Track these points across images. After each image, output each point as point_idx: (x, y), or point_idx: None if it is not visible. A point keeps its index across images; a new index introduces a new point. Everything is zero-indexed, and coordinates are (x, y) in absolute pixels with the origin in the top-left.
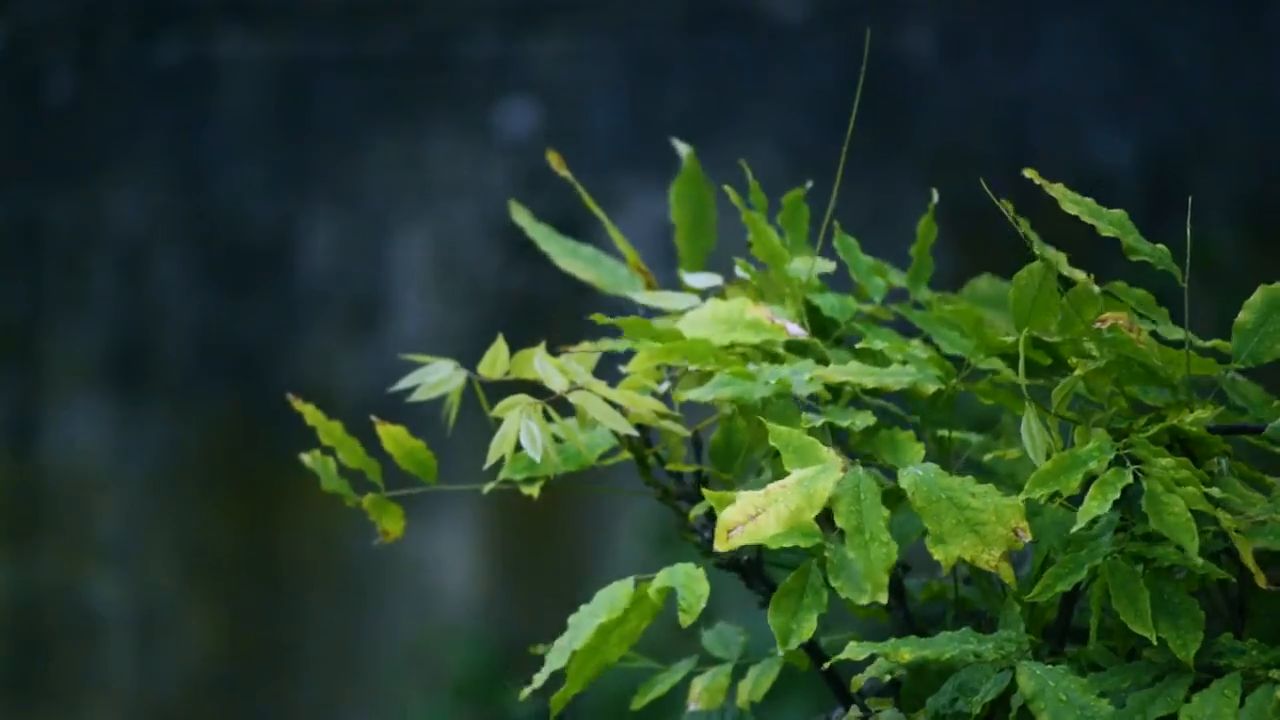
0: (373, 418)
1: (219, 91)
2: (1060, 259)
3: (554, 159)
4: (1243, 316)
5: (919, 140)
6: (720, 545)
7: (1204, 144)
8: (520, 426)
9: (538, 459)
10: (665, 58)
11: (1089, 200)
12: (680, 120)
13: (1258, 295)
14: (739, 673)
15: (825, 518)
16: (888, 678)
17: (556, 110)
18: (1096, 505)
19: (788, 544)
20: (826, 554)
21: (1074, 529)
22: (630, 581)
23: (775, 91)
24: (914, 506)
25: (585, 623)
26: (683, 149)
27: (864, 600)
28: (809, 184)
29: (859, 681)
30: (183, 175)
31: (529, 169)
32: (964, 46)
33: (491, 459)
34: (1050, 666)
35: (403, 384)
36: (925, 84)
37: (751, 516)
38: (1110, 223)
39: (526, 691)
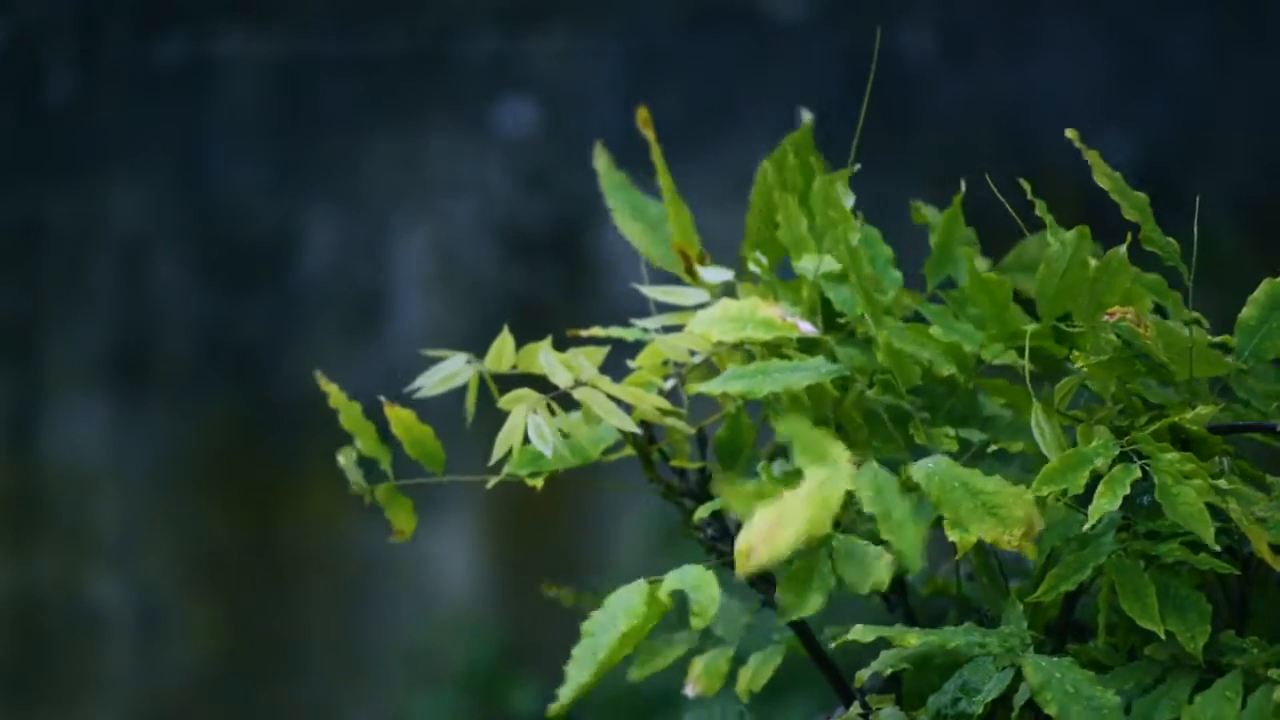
0: (382, 398)
1: (219, 91)
2: (1084, 231)
3: (642, 116)
4: (1246, 312)
5: (919, 139)
6: (740, 571)
7: (1204, 143)
8: (529, 422)
9: (549, 454)
10: (665, 58)
11: (1119, 175)
12: (680, 120)
13: (1261, 290)
14: (740, 658)
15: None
16: (889, 671)
17: (556, 109)
18: (1107, 502)
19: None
20: (834, 544)
21: (1086, 526)
22: (643, 584)
23: (775, 91)
24: (929, 496)
25: (605, 631)
26: (806, 116)
27: (867, 589)
28: (857, 167)
29: (862, 678)
30: (183, 175)
31: (529, 168)
32: (964, 46)
33: (498, 453)
34: (1056, 659)
35: (421, 380)
36: (925, 83)
37: (766, 535)
38: (1133, 205)
39: (556, 708)
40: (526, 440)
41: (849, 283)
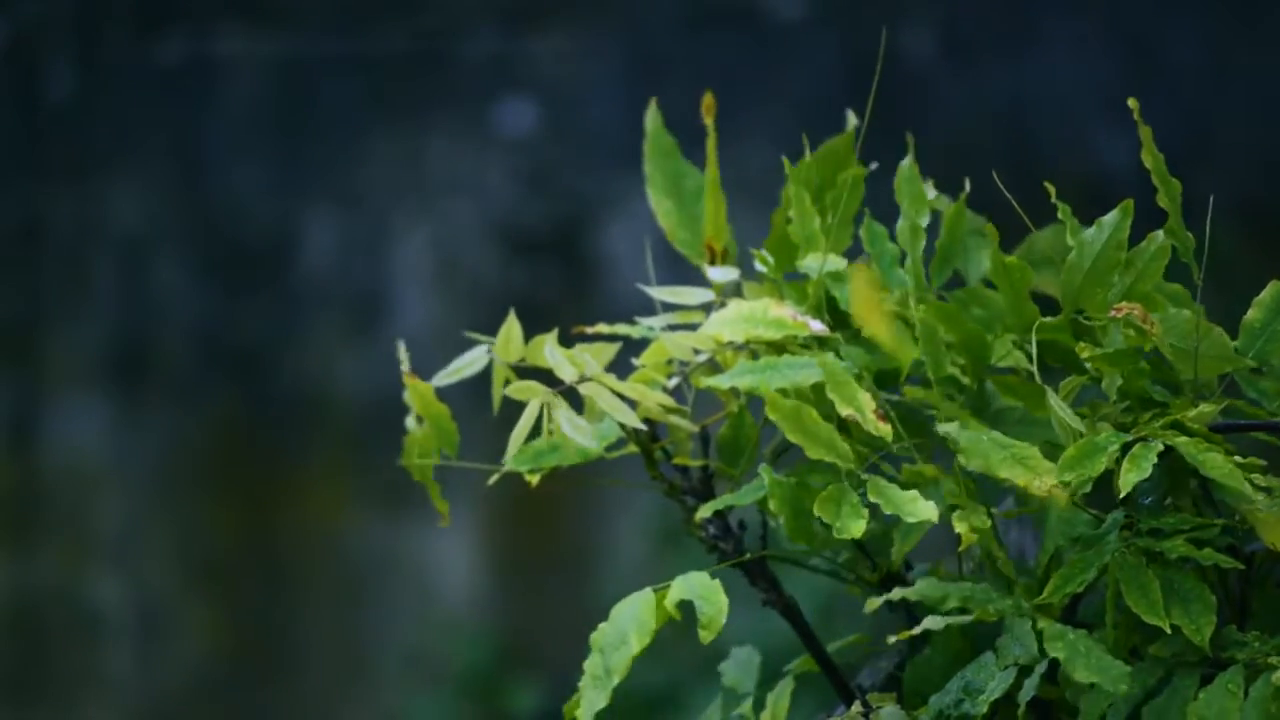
0: (404, 368)
1: (219, 91)
2: (1128, 207)
3: (706, 102)
4: (1251, 314)
5: (919, 139)
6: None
7: (1204, 143)
8: (559, 416)
9: (588, 444)
10: (665, 58)
11: (1162, 157)
12: (680, 120)
13: (1267, 292)
14: (759, 705)
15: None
16: (889, 667)
17: (556, 109)
18: (1135, 475)
19: (827, 457)
20: (864, 477)
21: (1121, 494)
22: (649, 595)
23: (775, 91)
24: (958, 450)
25: (615, 650)
26: (851, 119)
27: (918, 518)
28: (874, 165)
29: (903, 636)
30: (183, 174)
31: (529, 168)
32: (964, 46)
33: (513, 447)
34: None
35: (447, 371)
36: (926, 83)
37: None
38: (1168, 193)
39: None
40: (548, 433)
41: (904, 264)
